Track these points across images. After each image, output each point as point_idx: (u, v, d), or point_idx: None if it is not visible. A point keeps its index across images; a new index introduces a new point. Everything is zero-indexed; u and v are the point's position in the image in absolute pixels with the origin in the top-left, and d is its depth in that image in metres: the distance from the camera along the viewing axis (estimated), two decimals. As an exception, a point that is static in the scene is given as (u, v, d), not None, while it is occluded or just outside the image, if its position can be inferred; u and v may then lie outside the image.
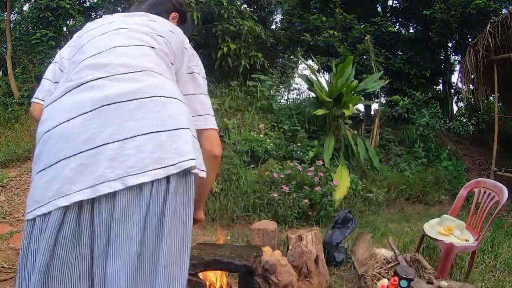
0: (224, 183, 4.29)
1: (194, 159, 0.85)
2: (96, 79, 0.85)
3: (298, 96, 9.68)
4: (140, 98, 0.83)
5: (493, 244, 3.27)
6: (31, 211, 0.80)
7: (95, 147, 0.78)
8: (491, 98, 7.69)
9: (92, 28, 1.05)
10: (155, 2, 1.26)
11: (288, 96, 12.11)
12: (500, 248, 3.26)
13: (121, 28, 0.99)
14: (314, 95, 5.83)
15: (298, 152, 4.97)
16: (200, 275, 1.95)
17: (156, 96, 0.85)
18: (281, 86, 9.88)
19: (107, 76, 0.85)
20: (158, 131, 0.81)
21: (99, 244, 0.78)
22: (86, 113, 0.80)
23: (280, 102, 7.63)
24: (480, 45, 5.92)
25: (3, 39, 8.34)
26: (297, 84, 12.85)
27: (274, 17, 9.63)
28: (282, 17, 9.93)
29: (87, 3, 9.75)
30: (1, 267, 2.56)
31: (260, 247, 2.20)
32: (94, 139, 0.78)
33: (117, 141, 0.78)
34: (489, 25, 5.81)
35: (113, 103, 0.81)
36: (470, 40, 7.38)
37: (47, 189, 0.78)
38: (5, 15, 7.52)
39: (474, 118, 8.78)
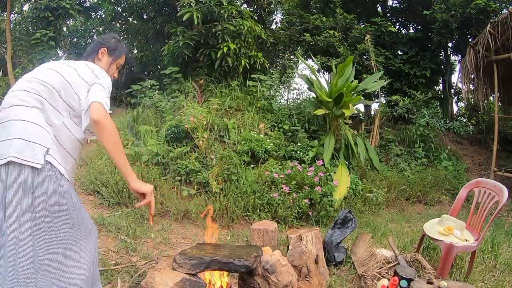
0: (224, 183, 4.29)
1: (15, 156, 1.40)
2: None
3: (298, 96, 9.68)
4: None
5: (493, 244, 3.27)
6: None
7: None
8: (491, 98, 7.69)
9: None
10: (90, 49, 1.95)
11: (288, 96, 12.12)
12: (500, 248, 3.26)
13: (23, 80, 1.61)
14: (314, 95, 5.83)
15: (298, 152, 4.97)
16: (200, 275, 1.95)
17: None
18: (281, 86, 9.87)
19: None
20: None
21: None
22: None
23: (280, 102, 7.62)
24: (480, 45, 5.92)
25: (3, 39, 8.34)
26: (297, 84, 12.87)
27: (274, 17, 9.62)
28: (282, 17, 9.93)
29: (87, 3, 9.75)
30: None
31: (260, 247, 2.20)
32: None
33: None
34: (489, 25, 5.81)
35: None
36: (470, 40, 7.38)
37: None
38: (5, 15, 7.51)
39: (474, 118, 8.80)
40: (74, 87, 1.62)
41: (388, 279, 2.31)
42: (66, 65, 1.70)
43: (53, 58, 7.28)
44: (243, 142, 4.79)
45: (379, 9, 9.52)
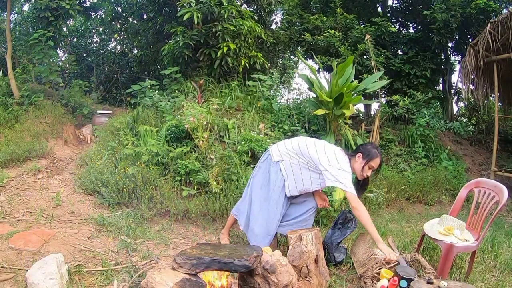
0: (224, 183, 4.29)
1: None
2: None
3: (298, 96, 9.69)
4: None
5: (493, 244, 3.27)
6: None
7: None
8: (491, 98, 7.68)
9: None
10: (355, 150, 2.87)
11: (288, 96, 12.14)
12: (500, 248, 3.26)
13: None
14: (314, 95, 5.82)
15: (298, 152, 4.97)
16: (200, 275, 1.95)
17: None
18: (281, 86, 9.87)
19: None
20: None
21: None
22: None
23: (280, 102, 7.62)
24: (480, 45, 5.92)
25: (3, 39, 8.33)
26: (297, 84, 12.89)
27: (274, 17, 9.62)
28: (282, 17, 9.93)
29: (87, 3, 9.74)
30: (1, 267, 2.55)
31: (260, 247, 2.20)
32: None
33: None
34: (489, 25, 5.80)
35: None
36: (470, 40, 7.37)
37: None
38: (5, 15, 7.51)
39: (474, 118, 8.78)
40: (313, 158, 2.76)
41: (388, 279, 2.31)
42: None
43: (53, 59, 7.27)
44: (243, 142, 4.79)
45: (379, 9, 9.51)
